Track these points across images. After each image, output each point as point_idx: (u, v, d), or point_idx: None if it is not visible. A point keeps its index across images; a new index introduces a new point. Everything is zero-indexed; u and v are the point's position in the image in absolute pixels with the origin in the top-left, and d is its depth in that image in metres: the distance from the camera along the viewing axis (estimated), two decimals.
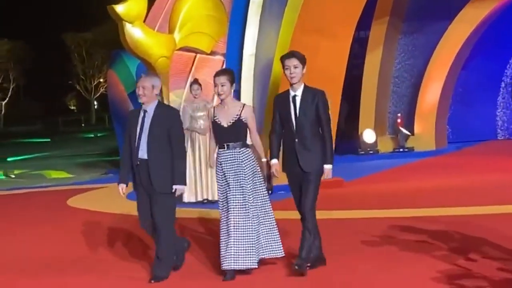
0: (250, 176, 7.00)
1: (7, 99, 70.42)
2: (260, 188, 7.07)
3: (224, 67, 12.44)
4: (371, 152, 18.55)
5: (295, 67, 6.88)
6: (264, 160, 7.14)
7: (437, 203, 10.52)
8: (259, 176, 7.08)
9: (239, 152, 7.03)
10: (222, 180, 7.08)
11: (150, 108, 7.05)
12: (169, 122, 7.00)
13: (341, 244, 8.01)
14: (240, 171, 6.99)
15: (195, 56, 13.13)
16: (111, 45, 34.96)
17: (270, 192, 7.14)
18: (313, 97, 6.91)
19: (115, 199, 11.30)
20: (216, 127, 7.11)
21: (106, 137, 39.23)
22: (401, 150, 18.65)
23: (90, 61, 67.67)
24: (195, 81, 12.15)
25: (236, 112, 7.07)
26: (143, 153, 6.98)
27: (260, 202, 7.04)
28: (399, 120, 18.84)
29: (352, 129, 19.09)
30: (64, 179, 19.09)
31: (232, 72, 7.25)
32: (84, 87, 69.92)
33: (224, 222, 6.98)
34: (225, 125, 7.05)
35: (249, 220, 6.88)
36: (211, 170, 10.98)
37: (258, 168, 7.09)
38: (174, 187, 6.97)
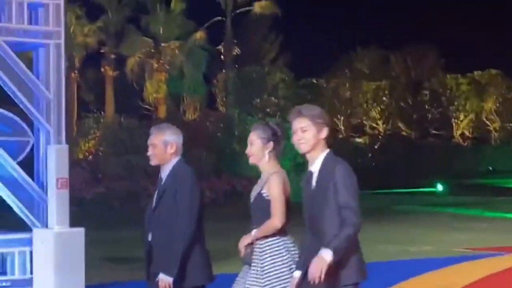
0: (262, 277, 4.95)
1: None
2: None
3: None
4: None
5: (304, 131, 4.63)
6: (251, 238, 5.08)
7: None
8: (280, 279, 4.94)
9: (260, 243, 5.02)
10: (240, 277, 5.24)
11: (164, 173, 5.36)
12: (175, 188, 5.24)
13: None
14: (254, 268, 5.01)
15: None
16: None
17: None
18: (331, 172, 4.50)
19: None
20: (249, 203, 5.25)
21: None
22: None
23: None
24: None
25: (262, 183, 5.08)
26: (149, 234, 5.34)
27: None
28: None
29: None
30: None
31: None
32: None
33: None
34: (251, 201, 5.17)
35: None
36: None
37: (285, 268, 4.95)
38: (159, 276, 5.16)
